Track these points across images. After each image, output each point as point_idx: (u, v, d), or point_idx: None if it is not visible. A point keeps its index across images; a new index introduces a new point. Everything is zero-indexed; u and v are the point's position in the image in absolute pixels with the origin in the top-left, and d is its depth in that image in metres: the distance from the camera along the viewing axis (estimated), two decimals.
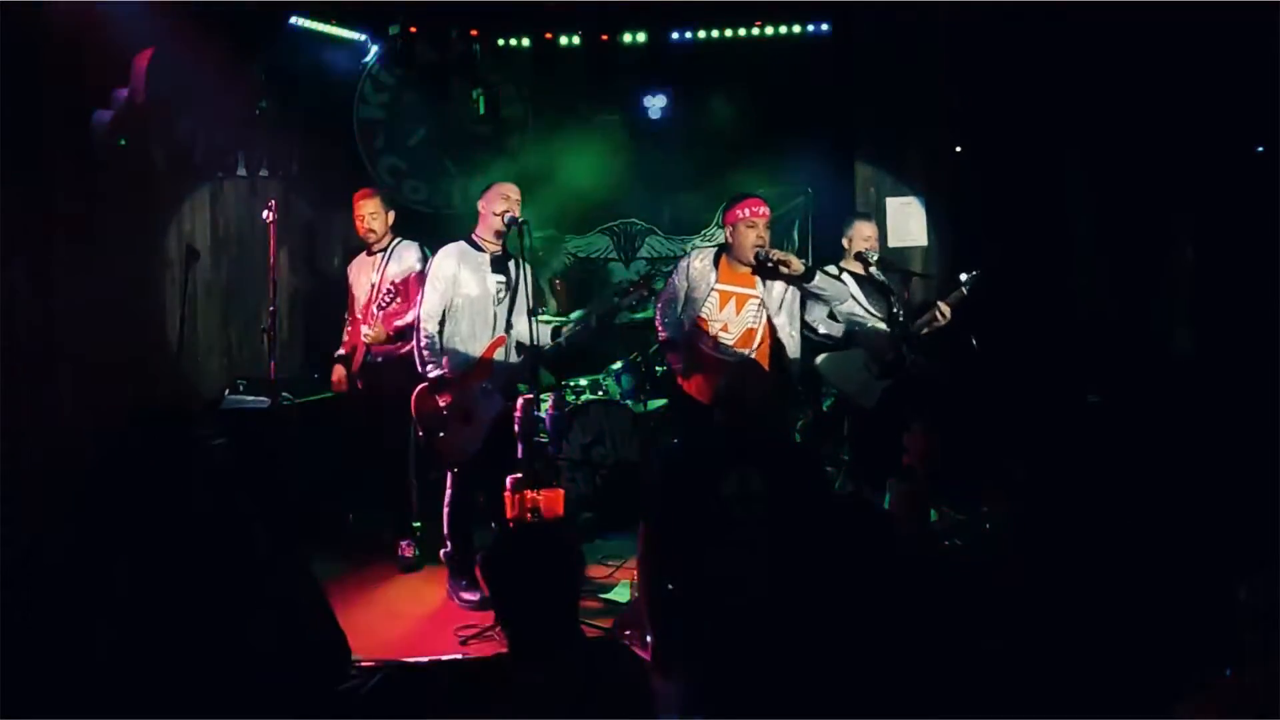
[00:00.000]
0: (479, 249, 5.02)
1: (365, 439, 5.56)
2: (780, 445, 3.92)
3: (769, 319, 5.05)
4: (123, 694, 2.11)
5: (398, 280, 5.41)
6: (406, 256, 5.49)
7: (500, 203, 4.96)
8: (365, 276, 5.56)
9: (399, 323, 5.35)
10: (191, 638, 2.29)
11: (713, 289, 5.02)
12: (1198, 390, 6.00)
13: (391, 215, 5.60)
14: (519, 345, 5.03)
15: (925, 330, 5.50)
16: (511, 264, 5.05)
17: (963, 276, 5.55)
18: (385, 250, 5.53)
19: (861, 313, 5.51)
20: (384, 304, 5.31)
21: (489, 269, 5.01)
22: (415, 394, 4.96)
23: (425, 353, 4.92)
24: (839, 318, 5.49)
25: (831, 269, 5.64)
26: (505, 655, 2.40)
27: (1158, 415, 5.80)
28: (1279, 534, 3.70)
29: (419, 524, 5.64)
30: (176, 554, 2.36)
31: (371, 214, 5.53)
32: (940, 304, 5.48)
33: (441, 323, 4.97)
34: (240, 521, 2.59)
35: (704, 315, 5.04)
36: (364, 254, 5.64)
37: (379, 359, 5.43)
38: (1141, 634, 3.71)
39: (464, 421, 4.94)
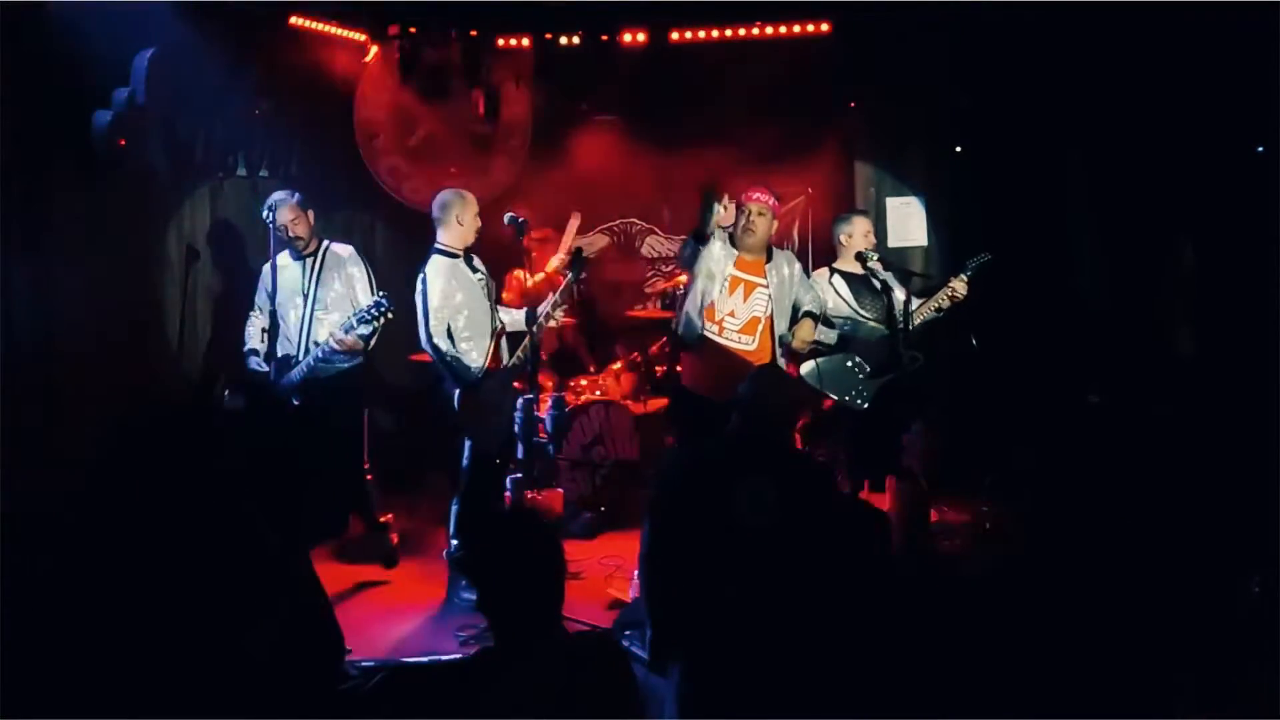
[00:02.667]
0: (452, 255, 5.07)
1: (309, 451, 5.30)
2: (793, 455, 3.92)
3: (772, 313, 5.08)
4: (124, 693, 2.11)
5: (336, 293, 5.28)
6: (348, 266, 5.32)
7: (464, 208, 5.05)
8: (292, 282, 5.30)
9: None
10: (193, 637, 2.29)
11: (728, 275, 5.08)
12: (1198, 390, 5.99)
13: (311, 214, 5.32)
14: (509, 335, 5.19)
15: (941, 309, 5.46)
16: (476, 259, 5.18)
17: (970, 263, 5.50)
18: (316, 255, 5.33)
19: (855, 315, 5.48)
20: (364, 324, 5.06)
21: (469, 269, 5.10)
22: (460, 400, 4.99)
23: (454, 366, 4.98)
24: (833, 323, 5.48)
25: (821, 273, 5.62)
26: (492, 650, 2.41)
27: (1158, 415, 5.80)
28: (1279, 534, 3.70)
29: (384, 523, 5.67)
30: (183, 551, 2.36)
31: (293, 220, 5.23)
32: (954, 281, 5.44)
33: (449, 334, 5.02)
34: (247, 519, 2.59)
35: (714, 301, 5.08)
36: (286, 254, 5.34)
37: (320, 374, 5.27)
38: (1142, 633, 3.71)
39: (496, 413, 5.05)
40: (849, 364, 5.38)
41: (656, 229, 8.00)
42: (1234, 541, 4.16)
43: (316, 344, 5.22)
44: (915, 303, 5.41)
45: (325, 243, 5.40)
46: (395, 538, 5.65)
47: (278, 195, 5.28)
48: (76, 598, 2.51)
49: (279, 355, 5.28)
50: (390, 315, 5.01)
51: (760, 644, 2.86)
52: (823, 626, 2.48)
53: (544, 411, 5.88)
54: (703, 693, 3.00)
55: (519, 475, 5.26)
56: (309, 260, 5.34)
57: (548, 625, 2.37)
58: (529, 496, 5.20)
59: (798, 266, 5.28)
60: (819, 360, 5.41)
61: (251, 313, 5.43)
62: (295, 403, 5.26)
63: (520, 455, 5.16)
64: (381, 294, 5.10)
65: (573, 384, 6.71)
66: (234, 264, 6.16)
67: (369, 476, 5.71)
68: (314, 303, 5.29)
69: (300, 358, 5.27)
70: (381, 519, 5.66)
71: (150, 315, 5.59)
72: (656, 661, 3.21)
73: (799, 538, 3.13)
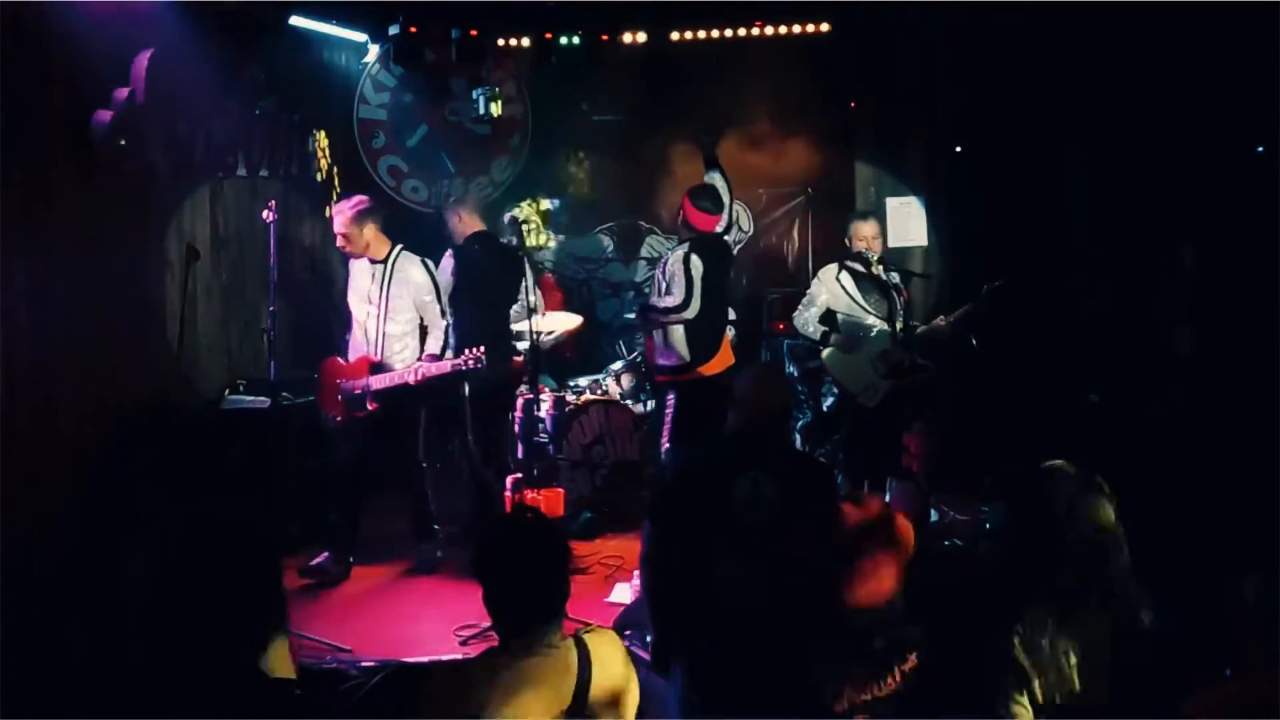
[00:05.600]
0: None
1: (373, 455, 5.46)
2: (792, 452, 3.93)
3: None
4: (120, 696, 2.11)
5: (402, 300, 5.33)
6: (413, 274, 5.37)
7: None
8: (362, 287, 5.42)
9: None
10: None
11: None
12: (1198, 390, 5.99)
13: (369, 227, 5.34)
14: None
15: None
16: None
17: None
18: (384, 262, 5.38)
19: (859, 312, 5.51)
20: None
21: None
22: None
23: None
24: (836, 322, 5.52)
25: (829, 269, 5.67)
26: (492, 650, 2.41)
27: (1158, 415, 5.80)
28: (1279, 534, 3.70)
29: (437, 526, 5.60)
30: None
31: (348, 236, 5.34)
32: (967, 306, 5.55)
33: None
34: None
35: None
36: (363, 260, 5.44)
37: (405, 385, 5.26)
38: (1142, 634, 3.71)
39: None
40: (871, 360, 5.43)
41: (656, 229, 8.00)
42: (1234, 542, 4.16)
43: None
44: (932, 322, 5.50)
45: (399, 249, 5.43)
46: (440, 551, 5.53)
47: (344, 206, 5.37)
48: (76, 597, 2.51)
49: (353, 357, 5.40)
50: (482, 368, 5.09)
51: (761, 644, 2.86)
52: (824, 626, 2.48)
53: (544, 411, 5.88)
54: (704, 694, 3.00)
55: (519, 475, 5.26)
56: (378, 267, 5.38)
57: (551, 625, 2.37)
58: (529, 496, 5.20)
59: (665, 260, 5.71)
60: (838, 351, 5.48)
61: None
62: (368, 406, 5.28)
63: (520, 455, 5.17)
64: (480, 350, 5.06)
65: (573, 384, 6.71)
66: (233, 264, 6.16)
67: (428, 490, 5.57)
68: (386, 311, 5.33)
69: (379, 358, 5.31)
70: (435, 525, 5.57)
71: (150, 315, 5.58)
72: (658, 663, 3.21)
73: (800, 536, 3.13)
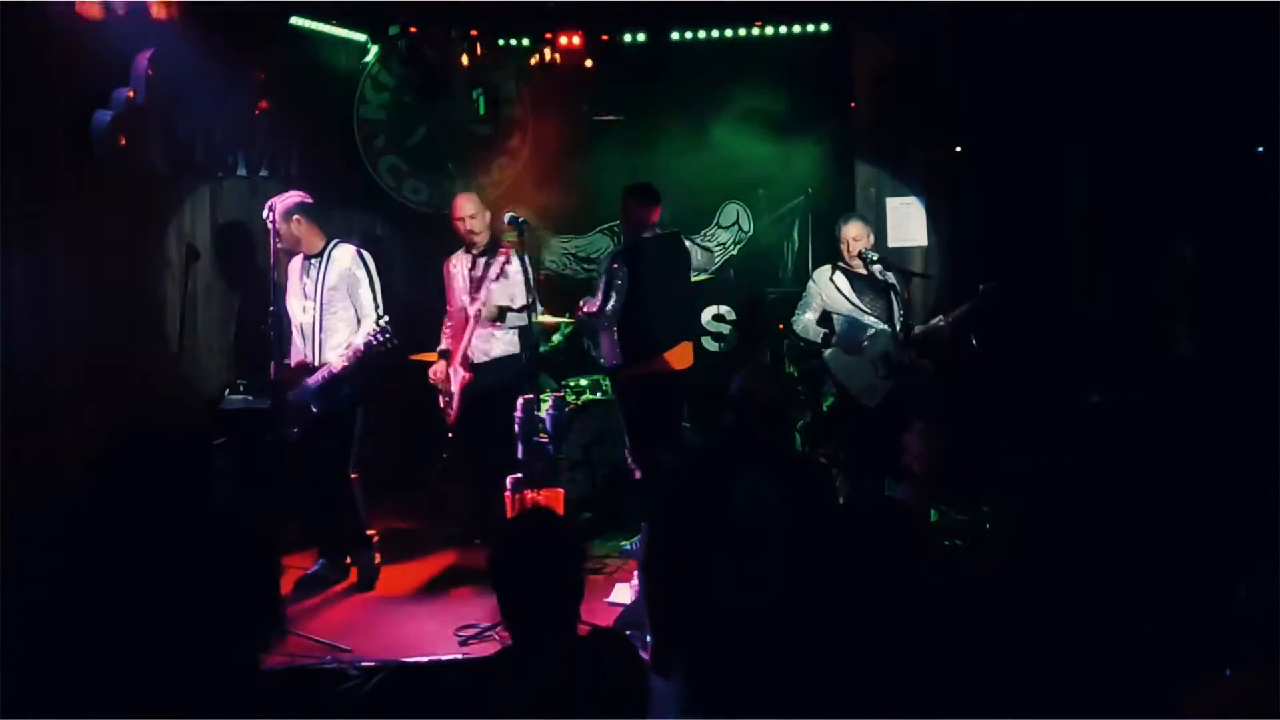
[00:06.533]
0: None
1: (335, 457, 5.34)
2: (790, 451, 3.93)
3: None
4: (122, 695, 2.11)
5: (337, 291, 5.26)
6: (346, 264, 5.30)
7: None
8: (298, 283, 5.36)
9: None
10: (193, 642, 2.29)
11: None
12: (1198, 390, 6.00)
13: (298, 222, 5.27)
14: None
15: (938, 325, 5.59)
16: None
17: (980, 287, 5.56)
18: (320, 256, 5.30)
19: (856, 313, 5.53)
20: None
21: None
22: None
23: None
24: (834, 323, 5.55)
25: (824, 270, 5.69)
26: (506, 650, 2.41)
27: (1158, 415, 5.80)
28: (1278, 534, 3.70)
29: (369, 537, 5.47)
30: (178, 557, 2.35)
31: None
32: (959, 309, 5.57)
33: None
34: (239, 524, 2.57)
35: None
36: (298, 256, 5.38)
37: (333, 374, 5.21)
38: (1143, 634, 3.72)
39: None
40: (873, 361, 5.45)
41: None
42: (1233, 541, 4.16)
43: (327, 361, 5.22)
44: (930, 322, 5.51)
45: (334, 243, 5.37)
46: (378, 556, 5.44)
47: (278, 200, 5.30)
48: (77, 597, 2.51)
49: (294, 360, 5.31)
50: (392, 344, 5.06)
51: (762, 645, 2.87)
52: (825, 627, 2.48)
53: (544, 411, 5.86)
54: (705, 695, 3.00)
55: (519, 475, 5.26)
56: (315, 262, 5.33)
57: (566, 625, 2.37)
58: (529, 496, 5.20)
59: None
60: (846, 353, 5.50)
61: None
62: (314, 410, 5.20)
63: (520, 455, 5.17)
64: (384, 320, 5.09)
65: (573, 384, 6.71)
66: (234, 264, 6.16)
67: (354, 476, 5.42)
68: (322, 306, 5.27)
69: (315, 362, 5.25)
70: (367, 532, 5.45)
71: (150, 315, 5.58)
72: (658, 663, 3.21)
73: (800, 537, 3.13)
